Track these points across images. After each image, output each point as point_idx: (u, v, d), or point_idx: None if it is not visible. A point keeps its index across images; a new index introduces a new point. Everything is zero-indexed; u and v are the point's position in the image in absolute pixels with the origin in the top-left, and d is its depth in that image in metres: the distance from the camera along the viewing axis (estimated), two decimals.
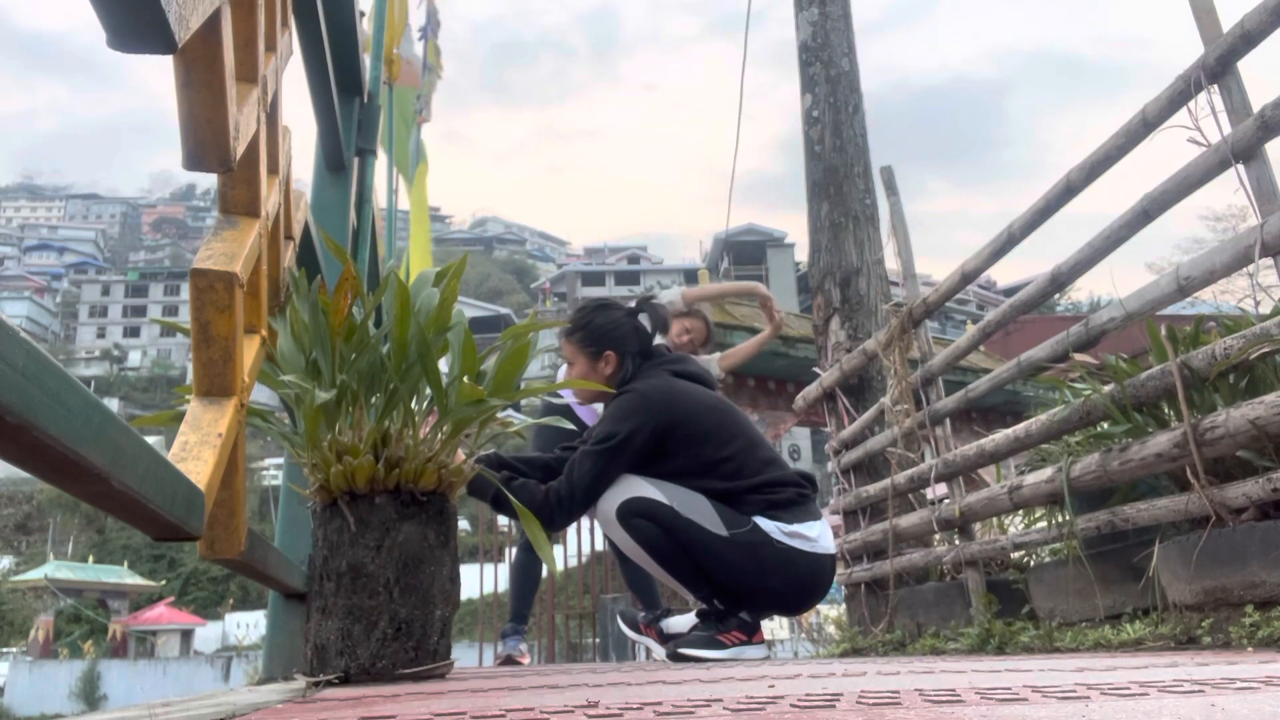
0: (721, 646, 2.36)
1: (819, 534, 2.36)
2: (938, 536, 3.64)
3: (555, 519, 2.35)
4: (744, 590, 2.35)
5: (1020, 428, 2.85)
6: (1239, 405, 1.91)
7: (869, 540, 4.07)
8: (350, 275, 1.69)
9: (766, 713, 0.78)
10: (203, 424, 1.13)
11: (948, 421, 3.54)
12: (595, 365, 2.57)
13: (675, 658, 2.42)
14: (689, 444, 2.36)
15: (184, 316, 1.43)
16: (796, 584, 2.34)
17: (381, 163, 4.56)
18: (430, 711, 0.87)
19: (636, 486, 2.35)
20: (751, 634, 2.43)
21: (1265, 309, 2.18)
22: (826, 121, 5.68)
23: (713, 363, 4.30)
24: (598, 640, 6.42)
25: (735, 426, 2.45)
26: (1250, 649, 1.77)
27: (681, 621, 2.70)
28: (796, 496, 2.38)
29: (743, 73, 7.29)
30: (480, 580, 6.49)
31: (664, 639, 2.85)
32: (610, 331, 2.58)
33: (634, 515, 2.33)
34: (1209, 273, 2.19)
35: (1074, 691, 0.88)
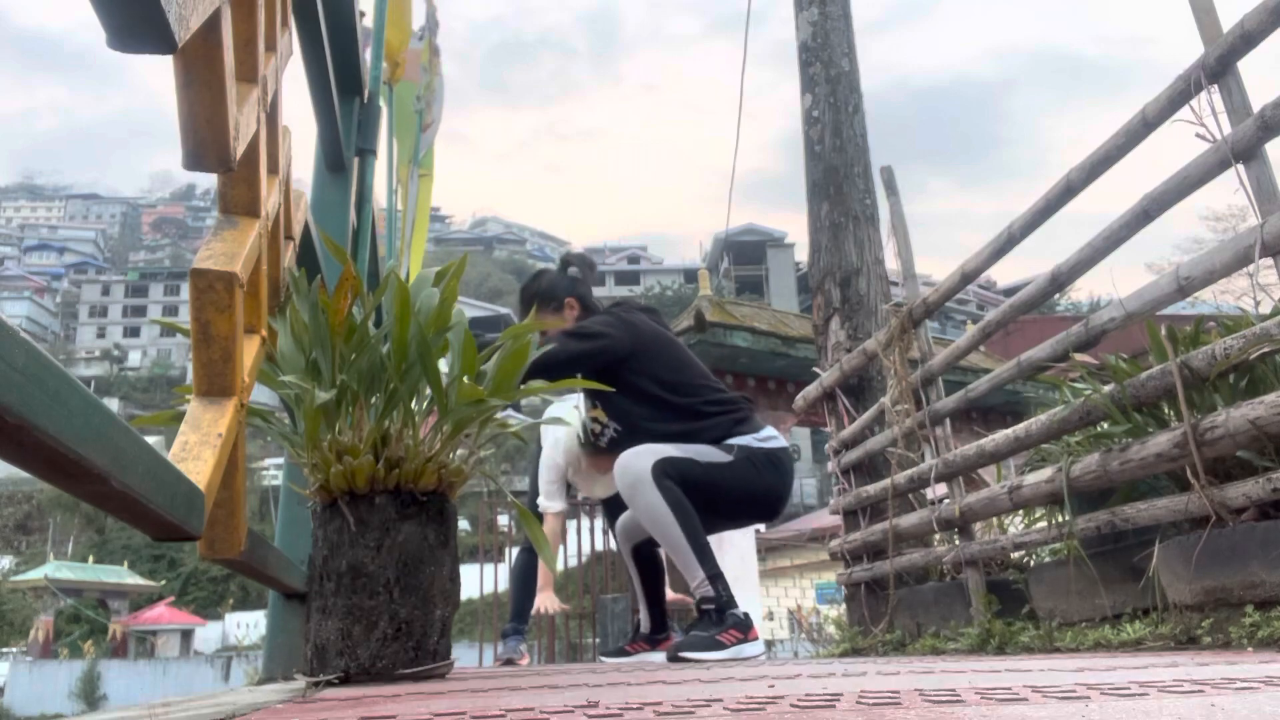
0: (721, 647, 2.45)
1: (774, 433, 2.72)
2: (938, 536, 3.64)
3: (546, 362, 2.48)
4: (757, 497, 2.62)
5: (1020, 428, 2.85)
6: (1239, 405, 1.91)
7: (869, 540, 4.07)
8: (350, 275, 1.70)
9: (766, 713, 0.78)
10: (203, 424, 1.13)
11: (948, 421, 3.54)
12: (563, 317, 2.83)
13: (677, 661, 2.46)
14: (651, 362, 2.66)
15: (184, 316, 1.42)
16: (783, 476, 2.68)
17: (382, 162, 4.54)
18: (430, 711, 0.87)
19: (664, 449, 2.55)
20: (746, 631, 2.52)
21: (1265, 309, 2.18)
22: (826, 121, 5.68)
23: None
24: (598, 640, 6.43)
25: (686, 357, 2.79)
26: (1250, 649, 1.77)
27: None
28: (749, 411, 2.74)
29: (743, 73, 7.29)
30: (480, 580, 6.48)
31: (653, 642, 3.02)
32: (556, 286, 2.88)
33: (666, 476, 2.49)
34: (1209, 273, 2.19)
35: (1074, 691, 0.88)
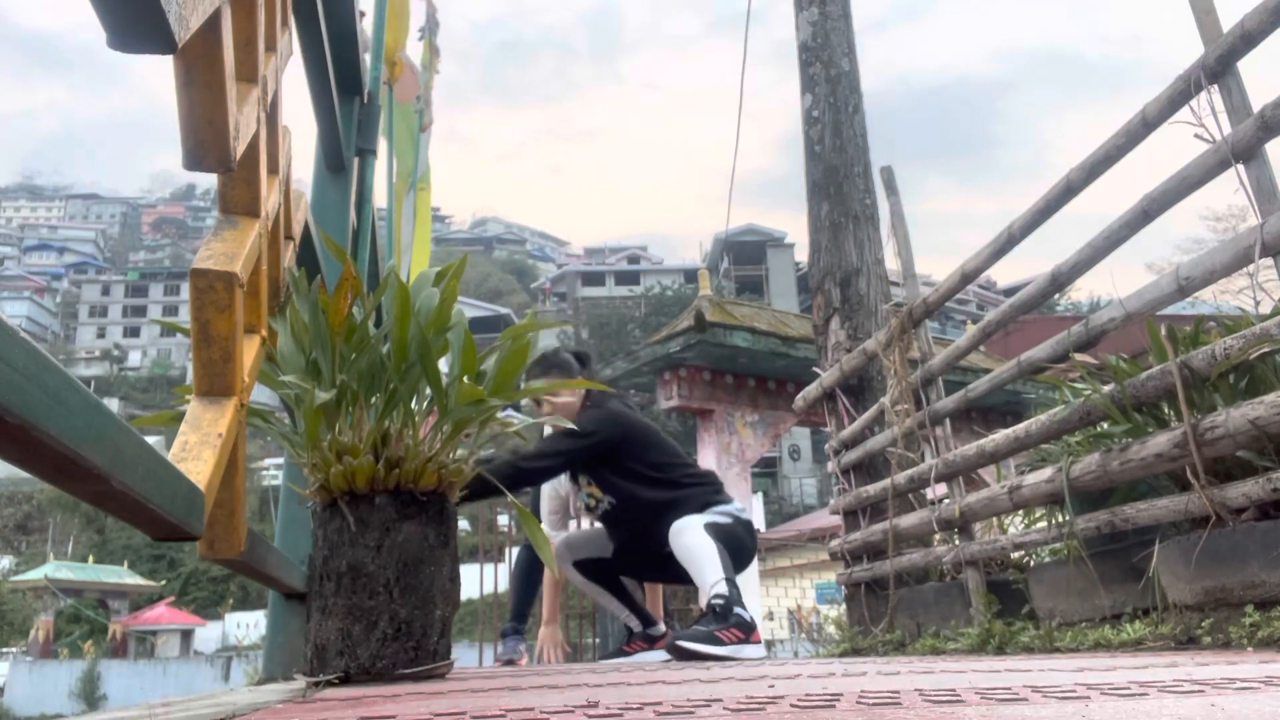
0: (721, 643, 2.63)
1: (742, 505, 3.28)
2: (938, 536, 3.64)
3: (519, 471, 2.97)
4: (742, 552, 3.11)
5: (1020, 428, 2.85)
6: (1239, 405, 1.91)
7: (869, 540, 4.07)
8: (350, 275, 1.70)
9: (766, 713, 0.78)
10: (203, 424, 1.13)
11: (948, 421, 3.54)
12: (573, 390, 3.34)
13: (675, 650, 2.62)
14: (636, 448, 3.20)
15: (184, 316, 1.42)
16: (755, 539, 3.29)
17: (382, 163, 4.53)
18: (430, 711, 0.87)
19: (704, 518, 3.05)
20: (749, 633, 2.68)
21: (1265, 309, 2.18)
22: (826, 121, 5.68)
23: None
24: (598, 640, 6.43)
25: (664, 441, 3.35)
26: (1250, 649, 1.77)
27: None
28: (720, 484, 3.32)
29: (743, 73, 7.29)
30: (480, 580, 6.48)
31: (650, 640, 3.31)
32: (570, 365, 3.43)
33: (712, 532, 3.00)
34: (1209, 273, 2.19)
35: (1074, 691, 0.88)
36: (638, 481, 3.16)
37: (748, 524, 3.23)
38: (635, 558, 3.32)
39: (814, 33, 5.87)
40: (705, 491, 3.19)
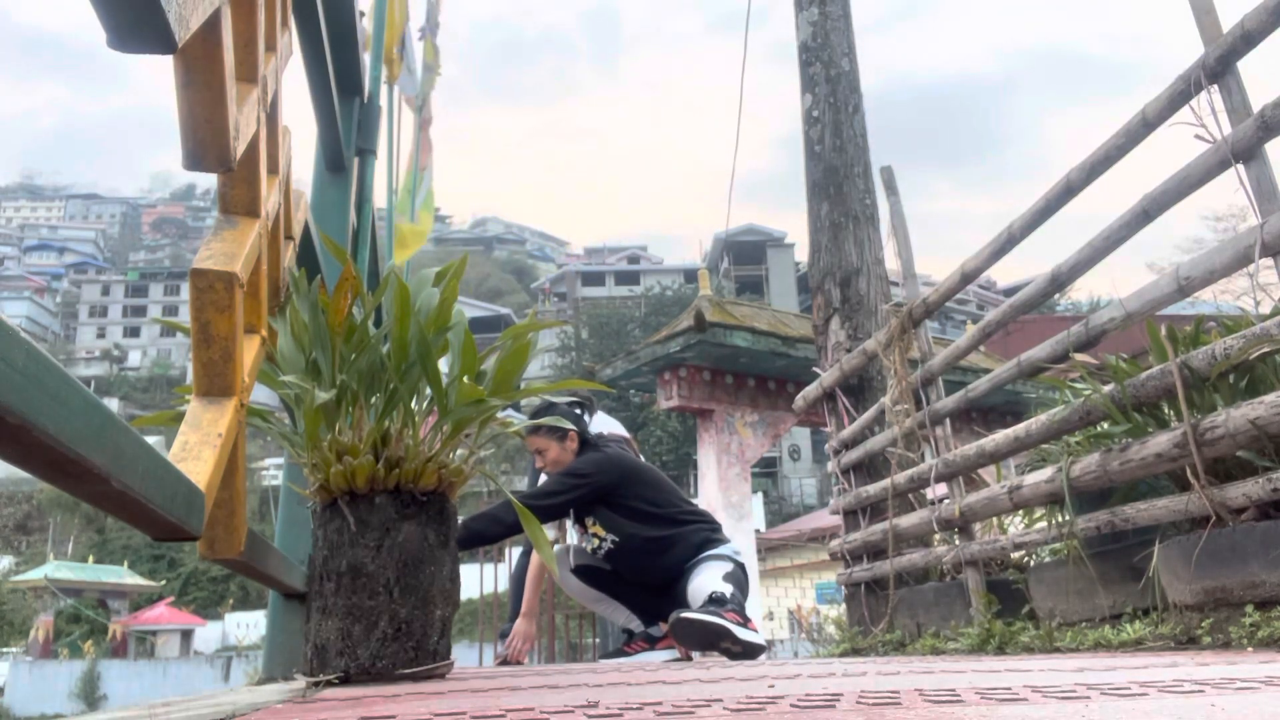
0: (721, 617, 2.83)
1: (738, 546, 3.40)
2: (938, 536, 3.64)
3: (513, 515, 2.92)
4: (745, 589, 3.15)
5: (1020, 428, 2.85)
6: (1239, 405, 1.91)
7: (869, 540, 4.07)
8: (350, 275, 1.70)
9: (766, 713, 0.78)
10: (203, 424, 1.13)
11: (948, 421, 3.54)
12: (563, 445, 3.38)
13: (678, 625, 2.84)
14: (634, 486, 3.30)
15: (184, 316, 1.42)
16: (749, 578, 3.32)
17: (382, 163, 4.54)
18: (430, 711, 0.87)
19: (723, 566, 3.17)
20: (746, 621, 2.89)
21: (1265, 309, 2.18)
22: (826, 121, 5.68)
23: None
24: (598, 640, 6.43)
25: (661, 480, 3.44)
26: (1250, 649, 1.77)
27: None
28: (717, 523, 3.42)
29: (743, 73, 7.29)
30: (480, 580, 6.48)
31: (651, 640, 3.37)
32: (566, 419, 3.40)
33: (730, 579, 3.11)
34: (1209, 273, 2.19)
35: (1074, 691, 0.88)
36: (638, 519, 3.26)
37: (744, 567, 3.36)
38: (634, 590, 3.39)
39: (814, 33, 5.87)
40: (703, 529, 3.31)
